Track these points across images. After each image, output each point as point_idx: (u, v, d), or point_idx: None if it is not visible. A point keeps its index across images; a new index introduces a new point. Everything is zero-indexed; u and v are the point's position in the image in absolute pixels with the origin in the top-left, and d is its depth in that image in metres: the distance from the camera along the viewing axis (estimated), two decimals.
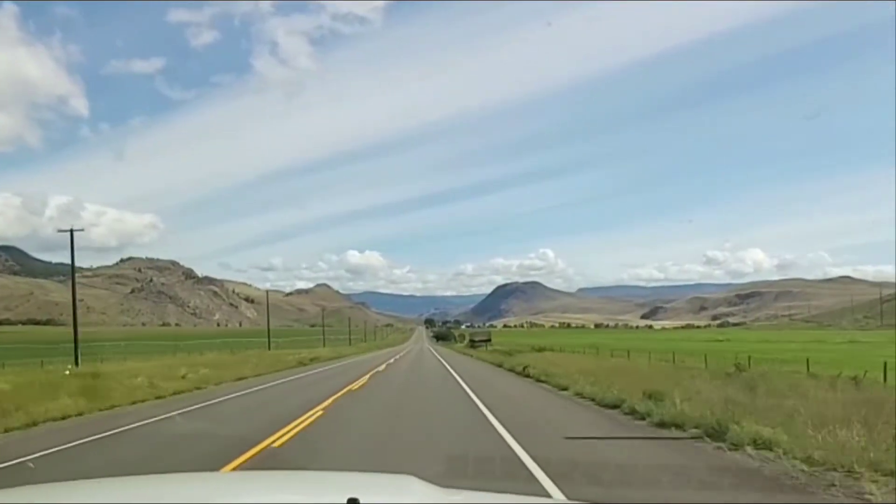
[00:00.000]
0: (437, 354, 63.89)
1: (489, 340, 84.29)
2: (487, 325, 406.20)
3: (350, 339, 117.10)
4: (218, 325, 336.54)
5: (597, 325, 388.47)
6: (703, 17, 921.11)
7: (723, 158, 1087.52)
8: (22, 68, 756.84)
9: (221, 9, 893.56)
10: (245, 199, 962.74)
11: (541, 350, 45.67)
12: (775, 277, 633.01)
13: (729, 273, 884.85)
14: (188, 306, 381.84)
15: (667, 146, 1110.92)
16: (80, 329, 36.60)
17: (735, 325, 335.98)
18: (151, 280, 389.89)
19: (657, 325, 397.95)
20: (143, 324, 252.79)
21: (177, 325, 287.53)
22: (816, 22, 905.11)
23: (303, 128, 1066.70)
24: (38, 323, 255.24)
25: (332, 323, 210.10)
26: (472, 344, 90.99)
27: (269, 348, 58.70)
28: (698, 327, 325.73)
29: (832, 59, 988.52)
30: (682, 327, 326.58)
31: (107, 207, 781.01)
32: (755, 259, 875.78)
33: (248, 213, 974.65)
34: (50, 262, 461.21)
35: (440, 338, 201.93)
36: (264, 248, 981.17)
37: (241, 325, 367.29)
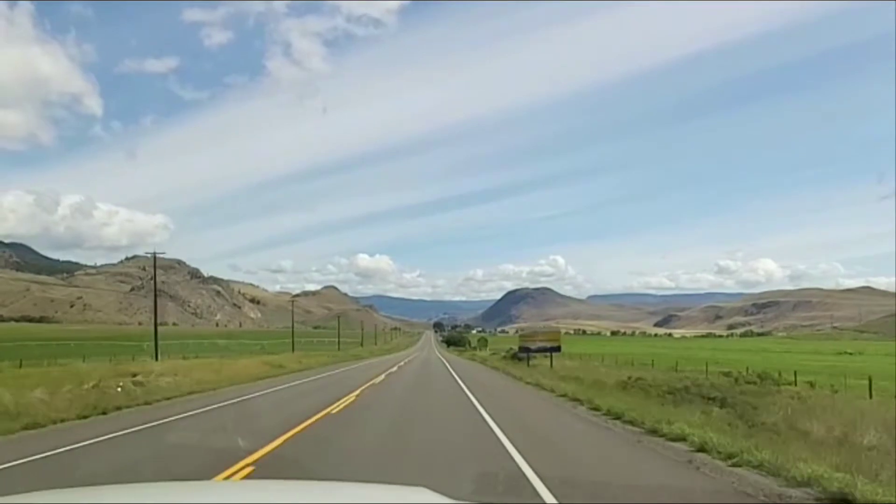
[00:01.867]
0: (461, 384, 27.79)
1: (558, 349, 43.50)
2: (498, 330, 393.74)
3: (339, 345, 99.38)
4: (217, 325, 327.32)
5: (613, 333, 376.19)
6: (717, 25, 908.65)
7: (733, 167, 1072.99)
8: (36, 66, 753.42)
9: (236, 9, 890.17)
10: (257, 201, 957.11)
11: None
12: (788, 287, 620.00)
13: (740, 283, 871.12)
14: (189, 305, 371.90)
15: (677, 154, 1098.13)
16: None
17: (760, 334, 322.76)
18: (152, 278, 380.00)
19: (676, 333, 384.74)
20: (140, 323, 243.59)
21: (174, 324, 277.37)
22: (835, 29, 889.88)
23: (315, 130, 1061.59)
24: (31, 320, 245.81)
25: (337, 325, 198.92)
26: (524, 353, 46.73)
27: (157, 358, 40.10)
28: (719, 336, 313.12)
29: (846, 66, 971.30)
30: (703, 336, 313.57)
31: (118, 207, 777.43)
32: (767, 269, 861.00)
33: (260, 214, 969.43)
34: (57, 260, 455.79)
35: (452, 343, 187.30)
36: (275, 250, 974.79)
37: (241, 325, 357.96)
